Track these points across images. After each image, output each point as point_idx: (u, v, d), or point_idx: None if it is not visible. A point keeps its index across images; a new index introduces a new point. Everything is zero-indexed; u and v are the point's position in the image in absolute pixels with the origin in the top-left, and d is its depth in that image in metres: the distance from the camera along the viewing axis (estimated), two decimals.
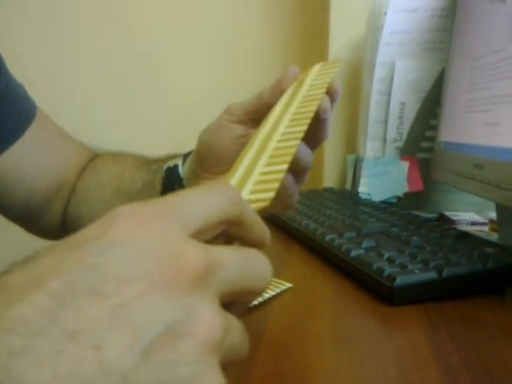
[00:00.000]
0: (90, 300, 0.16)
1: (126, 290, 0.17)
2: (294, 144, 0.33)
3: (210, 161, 0.45)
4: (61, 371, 0.15)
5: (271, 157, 0.32)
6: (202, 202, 0.21)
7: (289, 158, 0.31)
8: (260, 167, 0.31)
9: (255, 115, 0.43)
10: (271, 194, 0.28)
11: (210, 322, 0.17)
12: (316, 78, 0.42)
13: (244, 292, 0.20)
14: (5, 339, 0.15)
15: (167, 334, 0.17)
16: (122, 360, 0.16)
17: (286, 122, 0.37)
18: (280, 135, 0.35)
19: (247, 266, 0.20)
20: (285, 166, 0.30)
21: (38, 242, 0.61)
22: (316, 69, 0.44)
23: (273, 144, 0.34)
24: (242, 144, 0.41)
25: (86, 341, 0.15)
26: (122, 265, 0.17)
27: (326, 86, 0.40)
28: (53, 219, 0.57)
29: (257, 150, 0.34)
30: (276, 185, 0.28)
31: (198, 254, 0.18)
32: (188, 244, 0.18)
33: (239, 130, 0.43)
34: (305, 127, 0.34)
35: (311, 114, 0.36)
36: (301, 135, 0.34)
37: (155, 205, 0.20)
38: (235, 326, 0.19)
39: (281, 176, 0.29)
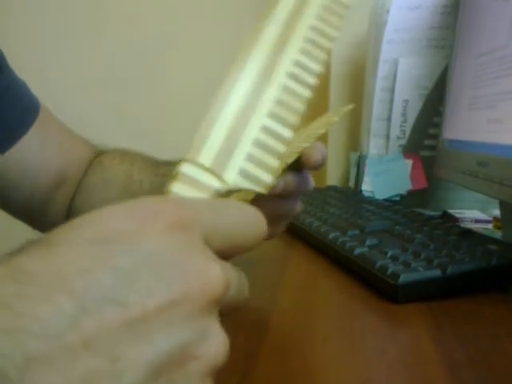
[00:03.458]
0: (111, 308, 0.16)
1: (149, 302, 0.16)
2: (301, 105, 0.25)
3: None
4: (73, 380, 0.15)
5: (279, 103, 0.24)
6: (232, 224, 0.21)
7: (296, 120, 0.24)
8: (261, 117, 0.23)
9: None
10: (270, 179, 0.23)
11: (220, 347, 0.18)
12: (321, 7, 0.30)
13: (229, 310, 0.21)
14: (23, 340, 0.14)
15: (180, 353, 0.17)
16: (136, 376, 0.16)
17: (293, 53, 0.26)
18: (284, 75, 0.25)
19: (242, 286, 0.21)
20: (289, 133, 0.24)
21: None
22: None
23: (278, 84, 0.25)
24: None
25: (102, 352, 0.15)
26: (150, 276, 0.17)
27: (338, 23, 0.30)
28: (57, 215, 0.57)
29: (253, 82, 0.25)
30: (277, 164, 0.23)
31: (221, 274, 0.18)
32: (213, 262, 0.19)
33: None
34: (314, 80, 0.26)
35: (321, 68, 0.27)
36: (308, 93, 0.25)
37: (188, 212, 0.19)
38: None
39: (282, 149, 0.23)
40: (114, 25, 1.03)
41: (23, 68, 0.57)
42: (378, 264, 0.41)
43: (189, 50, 1.04)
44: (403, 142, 0.74)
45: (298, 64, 0.26)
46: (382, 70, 0.74)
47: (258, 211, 0.23)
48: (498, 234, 0.60)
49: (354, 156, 0.83)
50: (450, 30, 0.70)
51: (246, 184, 0.23)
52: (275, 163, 0.23)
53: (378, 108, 0.75)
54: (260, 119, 0.24)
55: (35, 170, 0.54)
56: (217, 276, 0.18)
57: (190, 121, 0.95)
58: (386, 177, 0.74)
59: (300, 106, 0.25)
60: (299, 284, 0.43)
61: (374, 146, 0.76)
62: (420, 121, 0.74)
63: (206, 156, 0.23)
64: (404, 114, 0.74)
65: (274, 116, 0.24)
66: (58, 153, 0.56)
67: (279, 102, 0.24)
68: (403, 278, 0.38)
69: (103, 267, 0.16)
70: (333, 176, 0.89)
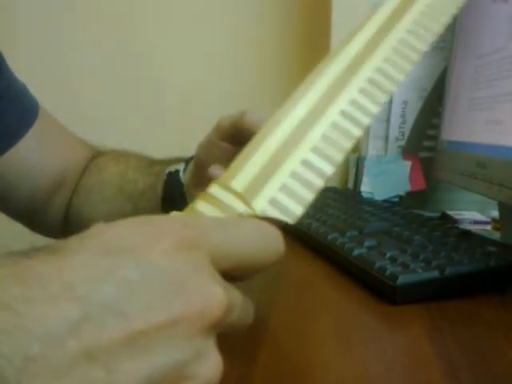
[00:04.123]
0: (113, 319, 0.16)
1: (150, 317, 0.16)
2: (348, 144, 0.23)
3: (206, 174, 0.44)
4: None
5: (325, 139, 0.23)
6: (242, 244, 0.21)
7: (340, 157, 0.23)
8: (305, 151, 0.22)
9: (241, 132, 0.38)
10: (300, 211, 0.22)
11: (215, 368, 0.18)
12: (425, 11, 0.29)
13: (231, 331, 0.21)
14: (23, 341, 0.14)
15: (175, 371, 0.17)
16: None
17: (351, 92, 0.25)
18: (337, 112, 0.24)
19: (245, 311, 0.22)
20: (331, 170, 0.23)
21: (41, 243, 0.61)
22: None
23: (328, 120, 0.23)
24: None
25: (100, 361, 0.15)
26: (153, 291, 0.17)
27: (407, 67, 0.28)
28: (55, 216, 0.57)
29: (303, 117, 0.23)
30: (312, 197, 0.22)
31: (223, 298, 0.18)
32: (216, 285, 0.19)
33: (228, 148, 0.41)
34: (368, 120, 0.24)
35: (394, 87, 0.25)
36: (358, 133, 0.24)
37: (195, 231, 0.19)
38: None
39: (321, 184, 0.23)
40: (114, 25, 1.03)
41: (23, 68, 0.57)
42: (377, 265, 0.41)
43: (189, 50, 1.04)
44: (402, 143, 0.75)
45: (353, 103, 0.25)
46: None
47: (275, 229, 0.22)
48: (497, 236, 0.60)
49: (352, 157, 0.82)
50: (450, 32, 0.70)
51: (273, 213, 0.22)
52: (310, 197, 0.23)
53: None
54: (303, 153, 0.23)
55: (35, 171, 0.54)
56: (218, 299, 0.18)
57: (190, 121, 0.95)
58: (385, 178, 0.74)
59: (347, 145, 0.24)
60: (298, 285, 0.43)
61: (372, 148, 0.76)
62: (419, 122, 0.74)
63: (239, 181, 0.23)
64: (403, 116, 0.74)
65: (317, 151, 0.23)
66: (57, 154, 0.56)
67: (326, 139, 0.24)
68: (401, 280, 0.38)
69: (109, 277, 0.16)
70: (332, 177, 0.88)
